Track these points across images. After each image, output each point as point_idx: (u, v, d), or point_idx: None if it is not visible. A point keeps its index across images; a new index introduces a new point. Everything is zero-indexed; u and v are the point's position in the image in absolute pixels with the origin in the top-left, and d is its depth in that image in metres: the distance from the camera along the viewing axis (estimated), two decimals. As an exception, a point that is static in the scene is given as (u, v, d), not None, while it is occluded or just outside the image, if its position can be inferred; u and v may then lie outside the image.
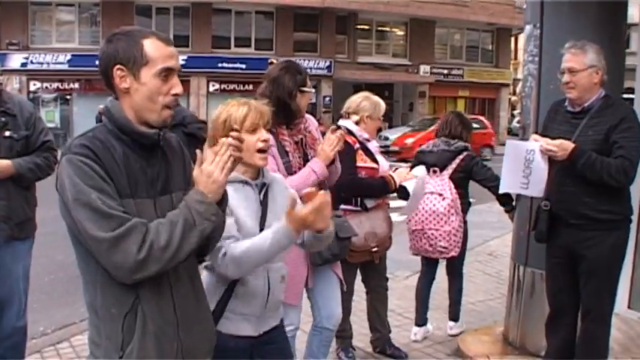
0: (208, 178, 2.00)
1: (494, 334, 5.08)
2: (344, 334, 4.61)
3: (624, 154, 3.55)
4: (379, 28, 33.36)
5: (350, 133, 4.23)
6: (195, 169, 2.06)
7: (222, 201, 2.10)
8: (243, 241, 2.52)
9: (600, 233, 3.70)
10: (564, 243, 3.82)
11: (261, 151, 2.66)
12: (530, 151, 3.76)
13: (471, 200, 5.16)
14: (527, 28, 4.68)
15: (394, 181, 4.21)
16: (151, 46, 2.02)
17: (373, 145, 4.40)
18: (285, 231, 2.43)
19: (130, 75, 2.02)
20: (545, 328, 4.12)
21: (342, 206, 4.20)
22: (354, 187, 4.21)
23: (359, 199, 4.26)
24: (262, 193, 2.72)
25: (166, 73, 2.03)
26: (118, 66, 2.02)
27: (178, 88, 2.07)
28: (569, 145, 3.60)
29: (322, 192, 2.48)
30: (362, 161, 4.22)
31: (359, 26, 32.42)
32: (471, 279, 6.95)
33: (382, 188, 4.26)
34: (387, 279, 4.78)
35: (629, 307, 5.39)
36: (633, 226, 4.27)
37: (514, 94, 41.30)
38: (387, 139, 24.58)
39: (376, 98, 4.43)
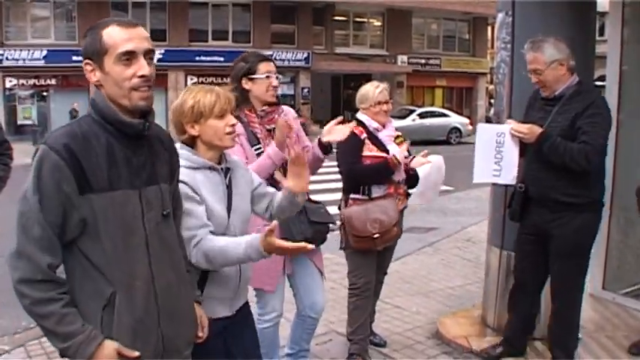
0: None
1: (472, 317, 5.19)
2: (359, 339, 4.44)
3: (587, 139, 3.67)
4: (356, 19, 33.42)
5: (361, 124, 4.36)
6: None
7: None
8: (217, 239, 2.53)
9: (567, 214, 3.84)
10: (534, 222, 3.99)
11: (229, 133, 2.69)
12: (501, 134, 3.88)
13: None
14: (500, 15, 4.76)
15: (396, 160, 4.25)
16: (108, 34, 2.00)
17: (385, 134, 4.44)
18: (258, 248, 2.44)
19: (97, 68, 2.03)
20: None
21: (351, 195, 4.34)
22: (354, 174, 4.31)
23: (366, 188, 4.33)
24: (227, 177, 2.75)
25: (127, 57, 2.00)
26: (86, 61, 2.04)
27: (144, 70, 2.02)
28: (537, 129, 3.75)
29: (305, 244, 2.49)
30: (368, 150, 4.30)
31: (336, 17, 32.46)
32: (450, 264, 7.10)
33: (382, 169, 4.29)
34: (385, 273, 4.84)
35: (603, 288, 5.54)
36: (606, 209, 4.40)
37: (491, 82, 41.45)
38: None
39: (363, 88, 4.48)
